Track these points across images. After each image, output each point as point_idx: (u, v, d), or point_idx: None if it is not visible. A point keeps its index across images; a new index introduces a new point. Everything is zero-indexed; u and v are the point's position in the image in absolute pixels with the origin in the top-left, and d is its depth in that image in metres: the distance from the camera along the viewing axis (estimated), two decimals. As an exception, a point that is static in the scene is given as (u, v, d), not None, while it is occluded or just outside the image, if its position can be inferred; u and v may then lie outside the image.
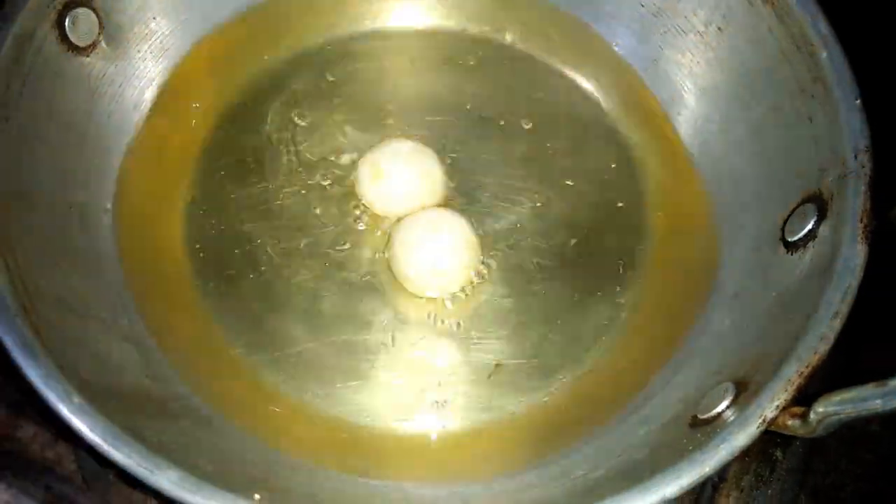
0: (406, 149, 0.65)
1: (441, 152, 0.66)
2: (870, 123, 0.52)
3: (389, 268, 0.62)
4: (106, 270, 0.58)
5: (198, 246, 0.63)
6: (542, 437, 0.57)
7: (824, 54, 0.55)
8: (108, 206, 0.61)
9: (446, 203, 0.65)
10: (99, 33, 0.61)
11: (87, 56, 0.60)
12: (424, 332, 0.60)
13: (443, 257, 0.60)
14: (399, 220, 0.63)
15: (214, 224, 0.64)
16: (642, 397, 0.57)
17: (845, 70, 0.54)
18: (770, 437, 0.63)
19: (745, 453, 0.62)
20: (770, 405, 0.44)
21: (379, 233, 0.64)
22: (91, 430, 0.42)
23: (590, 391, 0.59)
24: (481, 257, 0.62)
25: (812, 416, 0.43)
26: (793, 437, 0.62)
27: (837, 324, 0.46)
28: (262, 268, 0.62)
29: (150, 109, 0.65)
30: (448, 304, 0.61)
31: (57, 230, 0.56)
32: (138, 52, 0.65)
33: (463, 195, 0.65)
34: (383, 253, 0.63)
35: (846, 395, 0.41)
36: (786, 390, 0.44)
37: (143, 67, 0.65)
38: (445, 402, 0.58)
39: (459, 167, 0.67)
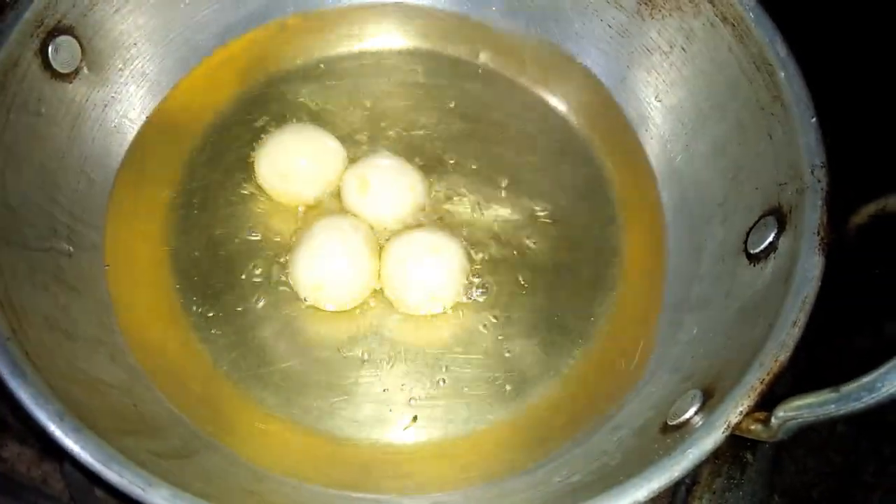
0: (391, 162, 0.67)
1: (421, 167, 0.68)
2: (826, 141, 0.55)
3: (378, 285, 0.63)
4: (93, 292, 0.59)
5: (182, 266, 0.64)
6: (521, 446, 0.59)
7: (782, 74, 0.57)
8: (94, 228, 0.62)
9: (427, 216, 0.66)
10: (81, 60, 0.62)
11: (70, 82, 0.62)
12: (408, 347, 0.62)
13: (437, 278, 0.62)
14: (391, 238, 0.64)
15: (198, 243, 0.65)
16: (616, 405, 0.59)
17: (802, 90, 0.57)
18: (740, 441, 0.65)
19: (717, 456, 0.65)
20: (734, 411, 0.46)
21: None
22: (83, 449, 0.43)
23: (567, 401, 0.61)
24: (470, 277, 0.64)
25: (773, 420, 0.45)
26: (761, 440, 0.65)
27: (796, 332, 0.48)
28: (246, 286, 0.63)
29: (134, 133, 0.67)
30: (433, 320, 0.63)
31: (44, 252, 0.57)
32: (120, 77, 0.66)
33: (443, 210, 0.67)
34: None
35: (804, 401, 0.43)
36: (748, 396, 0.46)
37: (125, 92, 0.66)
38: (427, 414, 0.59)
39: (437, 183, 0.68)
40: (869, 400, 0.40)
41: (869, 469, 0.65)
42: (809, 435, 0.67)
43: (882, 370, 0.39)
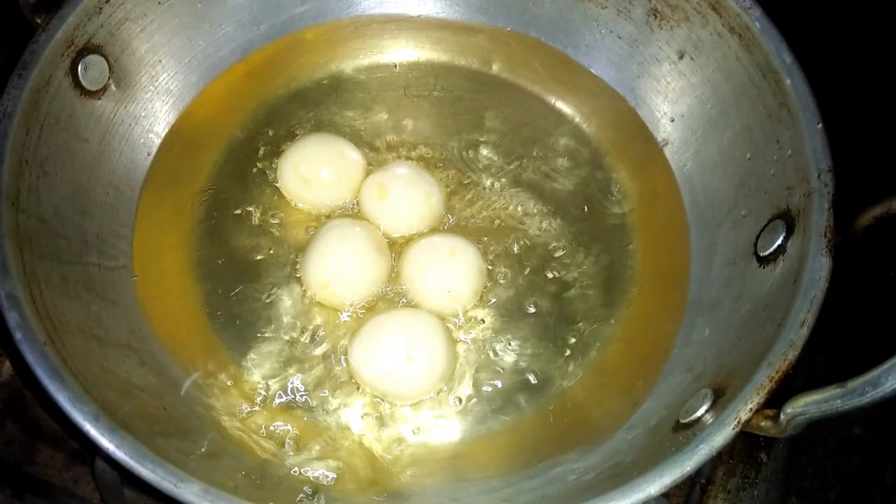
0: (408, 170, 0.69)
1: (437, 174, 0.70)
2: (837, 145, 0.56)
3: (399, 287, 0.65)
4: (123, 301, 0.61)
5: (206, 273, 0.66)
6: (536, 446, 0.60)
7: (788, 81, 0.59)
8: (123, 238, 0.64)
9: (444, 223, 0.68)
10: (109, 77, 0.65)
11: (99, 99, 0.64)
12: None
13: (455, 280, 0.63)
14: (410, 241, 0.66)
15: (222, 251, 0.67)
16: (630, 406, 0.60)
17: (808, 96, 0.58)
18: (754, 441, 0.66)
19: (731, 456, 0.66)
20: (744, 408, 0.47)
21: (387, 255, 0.66)
22: (118, 448, 0.45)
23: (583, 403, 0.62)
24: (487, 280, 0.65)
25: (782, 417, 0.46)
26: (775, 440, 0.66)
27: (805, 331, 0.49)
28: (268, 291, 0.65)
29: (160, 146, 0.69)
30: (451, 321, 0.64)
31: (76, 262, 0.59)
32: (146, 93, 0.68)
33: (460, 217, 0.69)
34: (392, 273, 0.65)
35: (811, 398, 0.45)
36: (758, 394, 0.47)
37: (150, 108, 0.69)
38: (447, 416, 0.61)
39: (454, 190, 0.70)
40: (874, 394, 0.41)
41: (888, 470, 0.65)
42: (827, 438, 0.67)
43: (886, 366, 0.41)
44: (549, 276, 0.66)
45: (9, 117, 0.55)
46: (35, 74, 0.58)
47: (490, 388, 0.62)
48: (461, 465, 0.59)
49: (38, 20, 0.60)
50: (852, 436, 0.68)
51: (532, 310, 0.65)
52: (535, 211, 0.69)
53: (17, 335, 0.48)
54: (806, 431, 0.65)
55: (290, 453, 0.58)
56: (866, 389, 0.41)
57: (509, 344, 0.64)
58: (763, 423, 0.47)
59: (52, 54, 0.59)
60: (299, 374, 0.62)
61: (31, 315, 0.49)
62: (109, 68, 0.64)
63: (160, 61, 0.69)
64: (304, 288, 0.65)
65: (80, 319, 0.55)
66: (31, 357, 0.47)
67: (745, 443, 0.66)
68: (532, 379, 0.62)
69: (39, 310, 0.51)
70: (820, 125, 0.56)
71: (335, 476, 0.57)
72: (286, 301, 0.64)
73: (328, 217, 0.68)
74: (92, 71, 0.63)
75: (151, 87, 0.69)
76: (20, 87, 0.57)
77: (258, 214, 0.68)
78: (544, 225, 0.69)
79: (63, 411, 0.46)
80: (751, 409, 0.47)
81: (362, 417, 0.60)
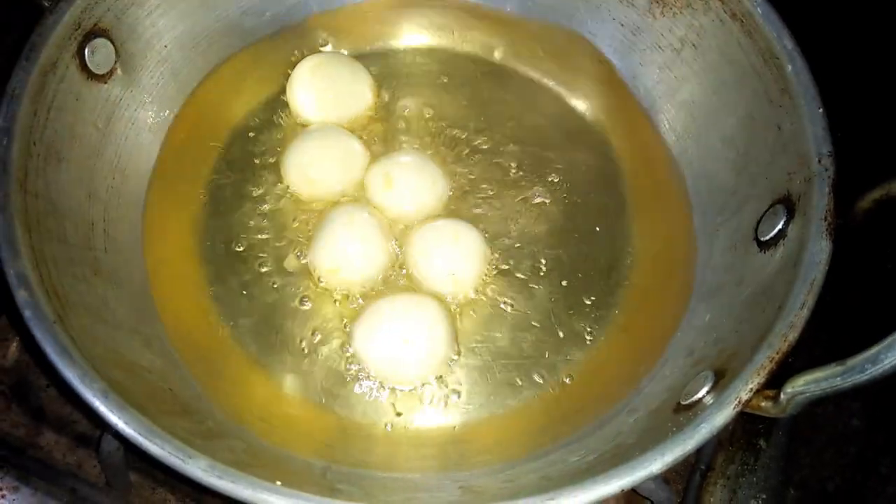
0: (413, 158, 0.69)
1: (441, 162, 0.70)
2: (831, 130, 0.56)
3: (405, 272, 0.65)
4: (128, 284, 0.61)
5: (212, 258, 0.66)
6: (538, 431, 0.60)
7: (790, 67, 0.59)
8: (128, 222, 0.64)
9: (448, 210, 0.69)
10: (115, 61, 0.65)
11: (105, 83, 0.64)
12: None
13: (459, 263, 0.64)
14: (416, 226, 0.66)
15: (227, 237, 0.67)
16: (632, 391, 0.60)
17: (809, 81, 0.58)
18: (753, 428, 0.67)
19: (730, 442, 0.66)
20: (745, 388, 0.48)
21: (392, 241, 0.67)
22: (127, 424, 0.45)
23: (583, 387, 0.63)
24: (490, 265, 0.66)
25: (782, 396, 0.46)
26: (774, 427, 0.66)
27: (805, 313, 0.49)
28: (273, 277, 0.66)
29: (166, 131, 0.69)
30: (453, 307, 0.64)
31: (83, 245, 0.59)
32: (152, 78, 0.68)
33: (463, 201, 0.69)
34: (396, 258, 0.66)
35: (811, 376, 0.45)
36: (759, 374, 0.48)
37: (156, 93, 0.69)
38: (449, 399, 0.61)
39: (458, 177, 0.70)
40: (874, 371, 0.42)
41: (884, 461, 0.66)
42: (825, 429, 0.68)
43: (885, 343, 0.41)
44: (551, 261, 0.67)
45: (17, 99, 0.56)
46: (42, 57, 0.58)
47: (492, 373, 0.62)
48: (464, 447, 0.60)
49: (46, 2, 0.60)
50: (850, 427, 0.68)
51: (534, 295, 0.66)
52: (536, 196, 0.70)
53: (27, 313, 0.48)
54: (805, 422, 0.66)
55: (297, 435, 0.59)
56: (866, 366, 0.42)
57: (511, 328, 0.64)
58: (763, 404, 0.47)
59: (60, 37, 0.59)
60: (306, 359, 0.62)
61: (41, 294, 0.50)
62: (116, 52, 0.64)
63: (166, 46, 0.69)
64: (313, 273, 0.65)
65: (88, 301, 0.56)
66: (40, 335, 0.48)
67: (745, 430, 0.67)
68: (533, 364, 0.63)
69: (48, 290, 0.51)
70: (821, 110, 0.57)
71: (341, 457, 0.58)
72: (293, 287, 0.65)
73: (335, 204, 0.68)
74: (98, 55, 0.63)
75: (157, 72, 0.69)
76: (28, 70, 0.57)
77: (265, 201, 0.69)
78: (546, 210, 0.69)
79: (72, 389, 0.46)
80: (751, 389, 0.47)
81: (367, 400, 0.61)
